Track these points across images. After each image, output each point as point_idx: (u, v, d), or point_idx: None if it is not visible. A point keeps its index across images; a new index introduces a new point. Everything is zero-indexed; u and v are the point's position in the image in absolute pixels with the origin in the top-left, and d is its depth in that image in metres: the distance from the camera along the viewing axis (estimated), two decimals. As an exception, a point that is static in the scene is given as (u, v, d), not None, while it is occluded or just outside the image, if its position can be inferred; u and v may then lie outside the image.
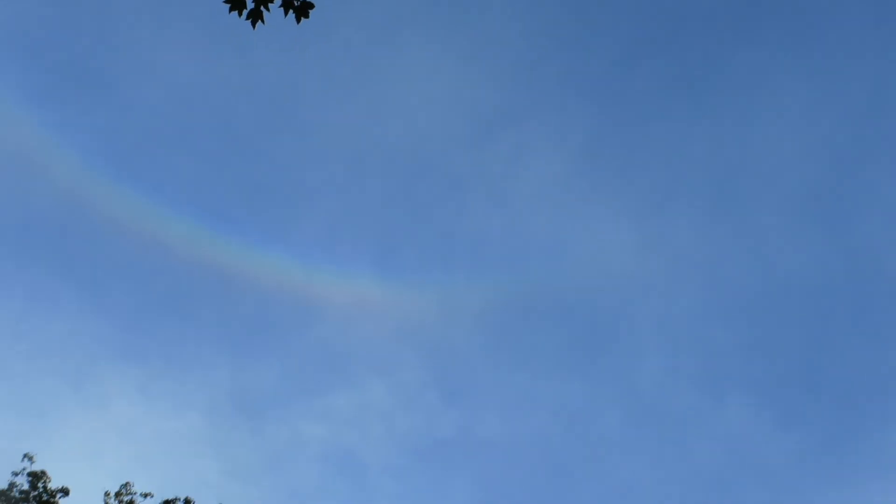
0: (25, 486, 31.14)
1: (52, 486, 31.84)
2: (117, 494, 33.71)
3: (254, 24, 6.42)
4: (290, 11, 6.43)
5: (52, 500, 31.58)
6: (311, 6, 6.38)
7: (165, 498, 34.08)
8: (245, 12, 6.39)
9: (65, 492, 31.94)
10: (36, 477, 31.26)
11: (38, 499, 31.17)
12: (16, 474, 31.07)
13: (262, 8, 6.39)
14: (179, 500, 32.67)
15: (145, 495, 33.70)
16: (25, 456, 31.11)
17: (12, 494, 31.07)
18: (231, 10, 6.32)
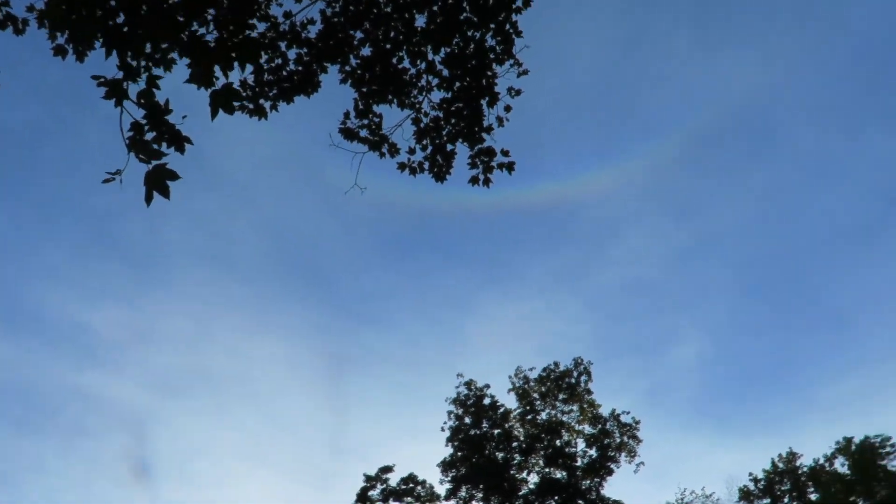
0: (465, 392, 41.54)
1: (479, 385, 41.76)
2: (516, 375, 43.08)
3: (488, 185, 10.70)
4: (503, 169, 10.58)
5: (482, 394, 41.49)
6: (514, 163, 10.44)
7: (543, 366, 43.30)
8: (481, 182, 10.69)
9: (487, 386, 41.76)
10: (468, 384, 41.38)
11: (475, 396, 41.25)
12: (457, 387, 41.67)
13: (488, 175, 10.64)
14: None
15: (531, 369, 43.12)
16: (458, 375, 41.59)
17: (461, 399, 41.72)
18: (473, 185, 10.69)
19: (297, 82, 11.17)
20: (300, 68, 11.24)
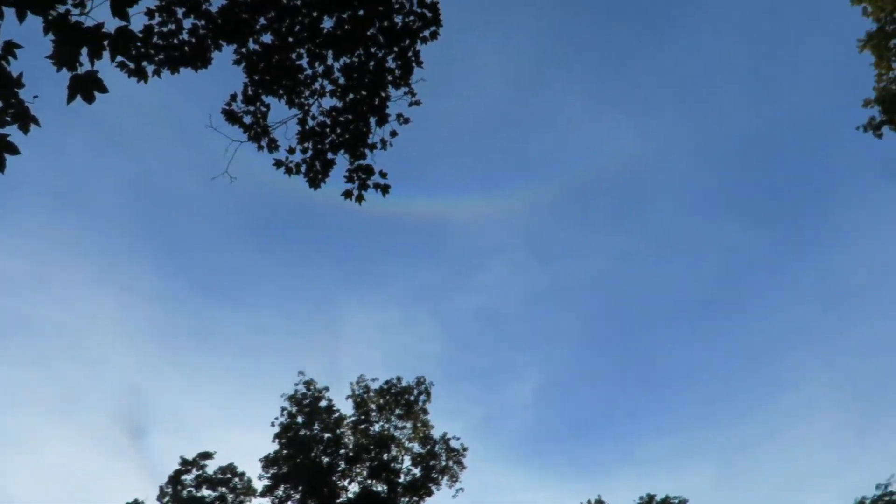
0: (303, 391, 40.91)
1: (319, 386, 41.35)
2: (357, 382, 43.04)
3: (359, 203, 10.71)
4: (378, 190, 10.63)
5: (320, 395, 41.07)
6: (389, 187, 10.52)
7: (386, 379, 43.80)
8: (353, 197, 10.69)
9: (326, 389, 41.47)
10: (308, 384, 40.73)
11: (312, 396, 40.75)
12: (297, 384, 40.82)
13: (362, 192, 10.65)
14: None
15: (374, 380, 43.34)
16: (300, 372, 40.82)
17: (298, 397, 40.98)
18: (345, 199, 10.66)
19: (187, 54, 10.72)
20: (193, 40, 10.80)
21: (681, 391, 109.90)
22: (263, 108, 11.77)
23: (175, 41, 10.57)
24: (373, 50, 10.59)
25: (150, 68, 10.62)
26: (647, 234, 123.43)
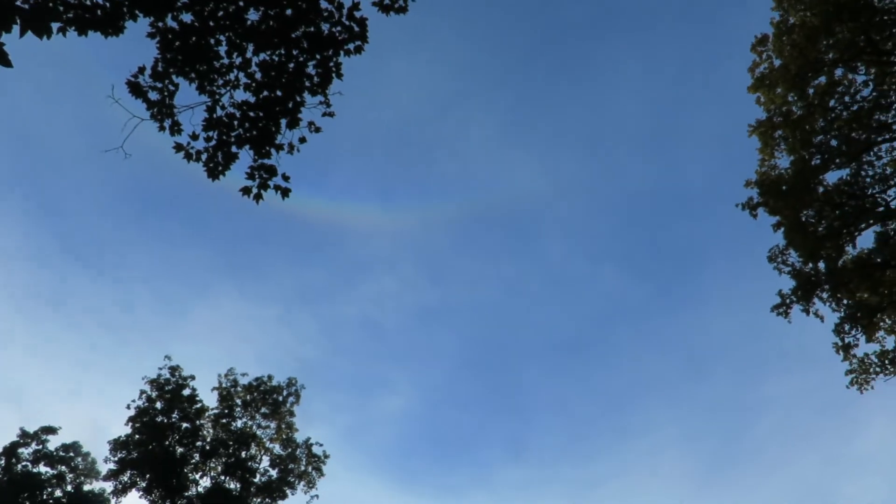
0: (167, 376, 39.30)
1: (185, 374, 39.87)
2: (226, 375, 41.97)
3: (257, 202, 10.54)
4: (278, 192, 10.50)
5: (184, 383, 39.57)
6: (290, 191, 10.42)
7: (257, 376, 42.97)
8: (252, 195, 10.50)
9: (192, 377, 40.04)
10: (173, 370, 39.24)
11: (176, 383, 39.20)
12: (161, 368, 39.24)
13: (261, 192, 10.48)
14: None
15: (244, 375, 42.51)
16: (166, 357, 39.24)
17: (160, 381, 39.30)
18: (243, 195, 10.46)
19: (98, 18, 10.23)
20: (108, 5, 10.33)
21: (543, 424, 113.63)
22: (172, 88, 11.38)
23: (88, 2, 10.07)
24: (295, 53, 10.50)
25: (55, 25, 10.06)
26: (533, 270, 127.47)
